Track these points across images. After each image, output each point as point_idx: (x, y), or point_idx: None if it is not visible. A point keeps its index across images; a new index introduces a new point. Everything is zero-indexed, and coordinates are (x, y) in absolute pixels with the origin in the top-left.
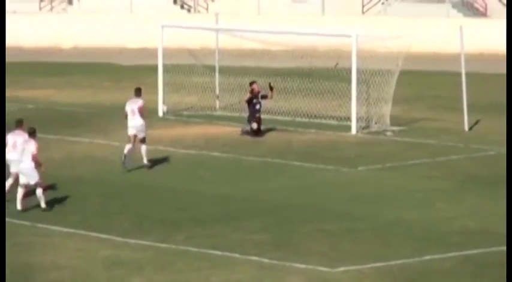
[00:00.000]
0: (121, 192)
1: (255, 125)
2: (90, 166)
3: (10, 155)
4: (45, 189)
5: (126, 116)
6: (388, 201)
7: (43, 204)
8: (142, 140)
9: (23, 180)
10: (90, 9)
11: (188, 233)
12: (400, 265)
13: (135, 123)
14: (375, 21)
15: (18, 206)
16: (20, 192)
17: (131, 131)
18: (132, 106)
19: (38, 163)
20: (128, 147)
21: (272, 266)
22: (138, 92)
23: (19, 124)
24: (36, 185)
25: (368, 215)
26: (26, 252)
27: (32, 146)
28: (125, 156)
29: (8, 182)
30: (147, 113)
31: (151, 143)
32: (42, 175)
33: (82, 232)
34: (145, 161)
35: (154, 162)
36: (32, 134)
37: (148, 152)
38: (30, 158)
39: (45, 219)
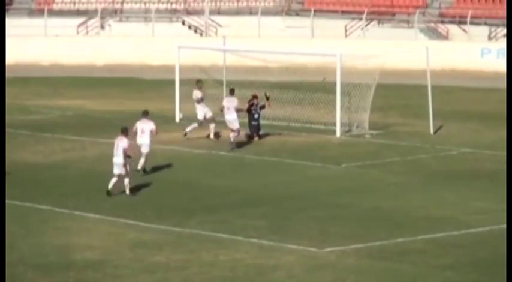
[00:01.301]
0: (144, 185)
1: (256, 138)
2: None
3: (138, 140)
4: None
5: (221, 110)
6: (367, 192)
7: (128, 191)
8: (234, 130)
9: (116, 170)
10: (119, 33)
11: (199, 219)
12: (377, 246)
13: (230, 117)
14: (356, 43)
15: (109, 186)
16: (114, 179)
17: (229, 124)
18: (229, 104)
19: (128, 157)
20: (231, 135)
21: (270, 247)
22: (232, 92)
23: (145, 113)
24: (124, 176)
25: (350, 204)
26: (65, 235)
27: (124, 143)
28: (231, 142)
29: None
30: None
31: (170, 144)
32: (131, 168)
33: (111, 218)
34: (231, 143)
35: (171, 159)
36: (123, 132)
37: (235, 138)
38: (122, 152)
39: (81, 207)
